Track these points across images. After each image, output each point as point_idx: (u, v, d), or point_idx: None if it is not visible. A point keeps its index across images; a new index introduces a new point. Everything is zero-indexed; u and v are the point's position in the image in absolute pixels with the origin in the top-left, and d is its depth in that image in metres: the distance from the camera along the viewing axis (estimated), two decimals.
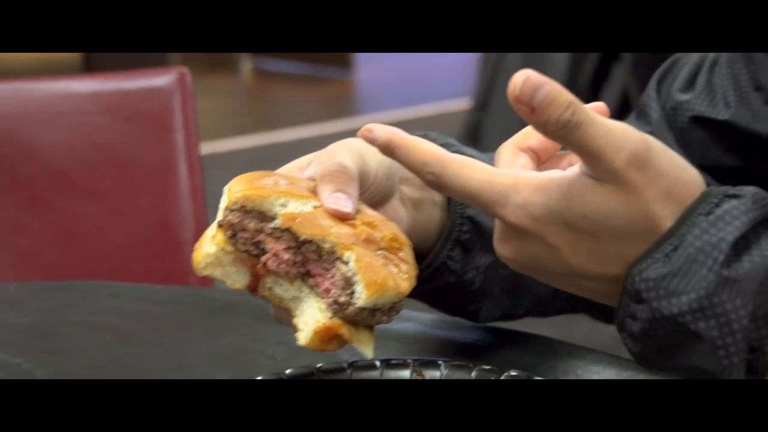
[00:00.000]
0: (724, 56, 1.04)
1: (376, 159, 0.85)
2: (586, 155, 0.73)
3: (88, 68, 7.21)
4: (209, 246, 0.79)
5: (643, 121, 1.08)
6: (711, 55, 1.05)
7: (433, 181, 0.75)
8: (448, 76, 5.61)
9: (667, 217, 0.75)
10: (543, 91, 0.69)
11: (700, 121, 1.04)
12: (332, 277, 0.77)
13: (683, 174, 0.77)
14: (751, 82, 1.03)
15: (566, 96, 0.70)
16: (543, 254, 0.75)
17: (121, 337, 1.10)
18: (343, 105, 6.24)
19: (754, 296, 0.72)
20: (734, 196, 0.75)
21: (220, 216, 0.78)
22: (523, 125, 0.89)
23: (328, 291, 0.77)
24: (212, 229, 0.79)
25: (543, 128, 0.73)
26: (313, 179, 0.83)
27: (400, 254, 0.80)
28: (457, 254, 0.93)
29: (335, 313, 0.77)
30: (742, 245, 0.74)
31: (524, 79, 0.70)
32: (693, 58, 1.07)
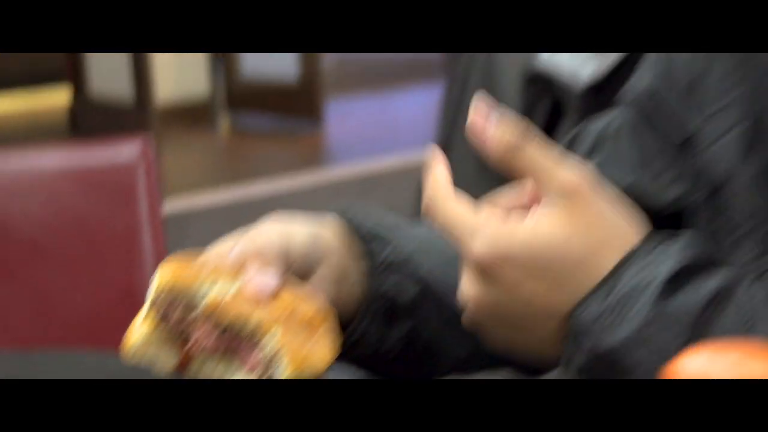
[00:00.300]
0: (618, 124, 1.04)
1: (299, 239, 0.87)
2: (535, 179, 0.77)
3: (73, 128, 7.23)
4: (141, 328, 0.79)
5: None
6: (615, 123, 1.04)
7: (426, 206, 0.78)
8: (415, 126, 5.60)
9: (610, 245, 0.77)
10: (495, 117, 0.74)
11: None
12: (257, 355, 0.78)
13: (626, 212, 0.80)
14: (644, 151, 1.03)
15: (516, 123, 0.75)
16: (504, 293, 0.75)
17: None
18: (315, 158, 6.28)
19: (690, 328, 0.73)
20: (668, 240, 0.78)
21: (151, 299, 0.79)
22: (480, 167, 0.90)
23: (253, 368, 0.78)
24: (145, 308, 0.79)
25: (495, 151, 0.75)
26: (240, 259, 0.82)
27: (322, 329, 0.81)
28: (374, 328, 0.92)
29: None
30: (675, 283, 0.74)
31: (477, 106, 0.75)
32: (599, 124, 1.06)
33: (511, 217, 0.76)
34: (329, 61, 8.19)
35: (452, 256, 0.94)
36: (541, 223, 0.75)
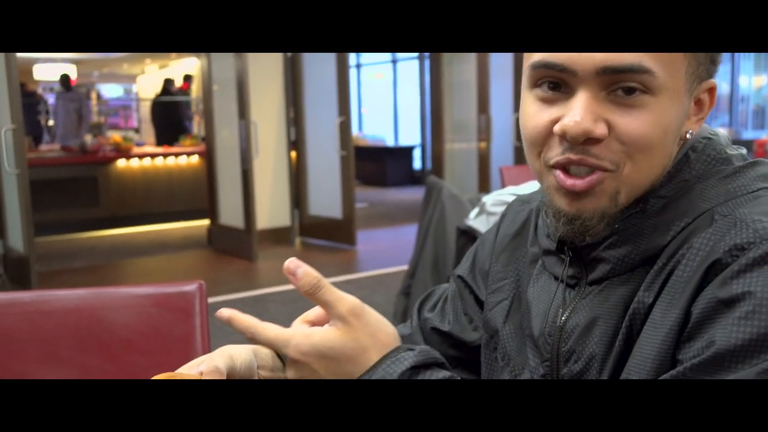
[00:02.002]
0: (451, 291, 1.01)
1: (241, 359, 0.80)
2: (325, 307, 0.77)
3: (210, 242, 7.13)
4: None
5: (408, 325, 1.04)
6: (450, 291, 1.01)
7: (251, 339, 0.80)
8: (410, 247, 5.56)
9: (372, 349, 0.76)
10: (300, 270, 0.76)
11: (435, 330, 1.00)
12: None
13: (385, 327, 0.79)
14: (463, 307, 0.99)
15: (314, 274, 0.76)
16: (309, 374, 0.77)
17: None
18: (351, 265, 6.15)
19: None
20: (411, 349, 0.77)
21: None
22: (433, 270, 0.87)
23: None
24: None
25: (302, 290, 0.77)
26: (202, 373, 0.77)
27: None
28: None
29: None
30: (407, 375, 0.74)
31: (289, 263, 0.77)
32: (440, 290, 1.04)
33: (311, 330, 0.77)
34: (360, 205, 8.18)
35: None
36: (326, 334, 0.75)
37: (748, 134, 10.85)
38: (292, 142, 7.20)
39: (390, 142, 13.63)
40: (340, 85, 6.66)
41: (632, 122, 0.70)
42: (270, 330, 0.78)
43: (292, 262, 0.76)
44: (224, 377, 0.76)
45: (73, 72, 11.18)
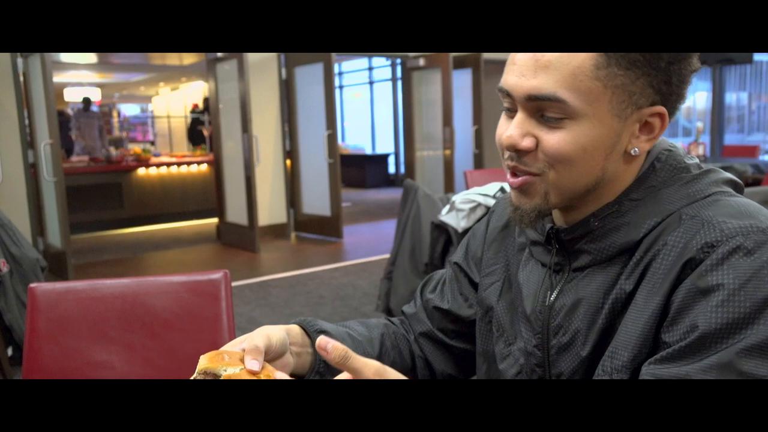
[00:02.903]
0: (448, 275, 1.01)
1: (276, 337, 0.80)
2: (354, 373, 0.67)
3: (218, 237, 7.08)
4: None
5: (413, 305, 1.03)
6: (447, 275, 1.01)
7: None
8: (389, 241, 5.55)
9: None
10: (330, 345, 0.65)
11: (436, 308, 1.00)
12: None
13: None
14: (459, 288, 0.99)
15: (341, 347, 0.66)
16: None
17: None
18: (338, 255, 6.10)
19: None
20: None
21: (195, 374, 0.74)
22: (412, 268, 0.87)
23: None
24: (192, 379, 0.74)
25: (333, 361, 0.67)
26: (244, 350, 0.76)
27: None
28: (318, 378, 0.86)
29: None
30: None
31: (320, 341, 0.66)
32: (438, 275, 1.04)
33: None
34: (345, 204, 8.15)
35: (360, 339, 0.94)
36: None
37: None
38: (287, 151, 7.18)
39: (369, 151, 13.61)
40: (327, 104, 6.64)
41: (552, 139, 0.72)
42: (355, 360, 0.67)
43: (322, 340, 0.67)
44: (263, 354, 0.76)
45: (97, 94, 11.05)
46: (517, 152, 0.75)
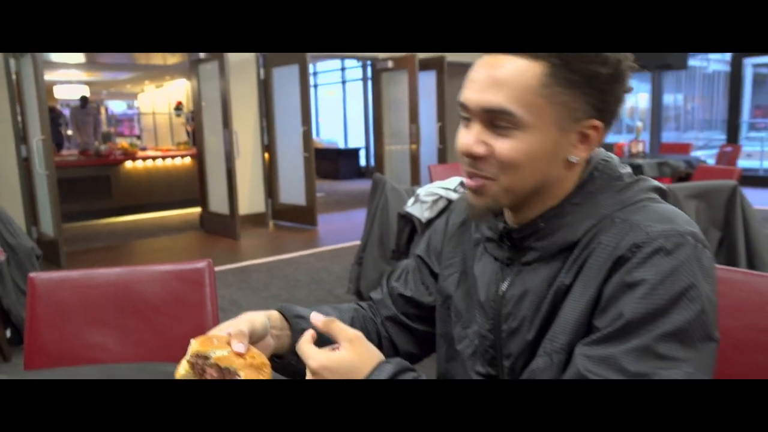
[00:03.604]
0: (412, 266, 1.04)
1: (258, 322, 0.84)
2: (338, 332, 0.77)
3: (202, 225, 7.01)
4: (182, 368, 0.77)
5: (380, 292, 1.06)
6: (411, 266, 1.04)
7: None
8: (360, 228, 5.60)
9: (369, 360, 0.76)
10: (320, 318, 0.77)
11: (400, 295, 1.02)
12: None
13: (375, 354, 0.78)
14: (422, 278, 1.02)
15: (330, 318, 0.78)
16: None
17: None
18: (313, 242, 6.08)
19: None
20: (388, 362, 0.77)
21: (188, 357, 0.77)
22: (381, 254, 0.90)
23: None
24: (183, 360, 0.77)
25: (319, 326, 0.78)
26: (230, 334, 0.79)
27: (266, 368, 0.78)
28: (295, 359, 0.87)
29: None
30: (393, 377, 0.74)
31: (314, 318, 0.80)
32: (402, 265, 1.07)
33: (329, 352, 0.76)
34: (319, 194, 8.14)
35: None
36: (339, 353, 0.75)
37: (609, 138, 11.10)
38: (265, 146, 7.14)
39: (341, 145, 13.58)
40: (303, 102, 6.62)
41: (501, 146, 0.76)
42: (305, 344, 0.77)
43: (315, 316, 0.80)
44: (247, 337, 0.79)
45: (86, 91, 10.81)
46: (473, 158, 0.79)
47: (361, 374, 0.74)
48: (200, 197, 6.95)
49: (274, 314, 0.90)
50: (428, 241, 1.04)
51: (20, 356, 2.54)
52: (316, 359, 0.75)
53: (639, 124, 7.24)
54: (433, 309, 1.00)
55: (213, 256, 5.46)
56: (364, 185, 10.37)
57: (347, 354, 0.75)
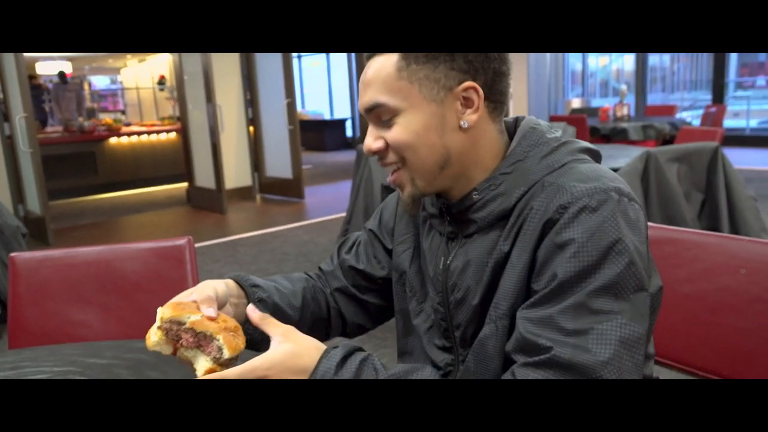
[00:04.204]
0: (363, 239, 1.05)
1: (219, 289, 0.86)
2: (270, 327, 0.79)
3: (189, 200, 6.97)
4: (154, 336, 0.77)
5: (330, 263, 1.08)
6: (363, 238, 1.05)
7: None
8: (346, 200, 5.59)
9: (310, 347, 0.77)
10: (256, 313, 0.78)
11: (351, 268, 1.04)
12: (212, 346, 0.77)
13: (313, 341, 0.79)
14: (374, 252, 1.03)
15: (263, 313, 0.81)
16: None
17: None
18: (300, 215, 6.07)
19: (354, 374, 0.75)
20: (336, 347, 0.77)
21: (158, 323, 0.77)
22: (369, 232, 1.02)
23: (210, 353, 0.76)
24: (154, 327, 0.77)
25: (255, 321, 0.80)
26: (195, 301, 0.80)
27: (239, 331, 0.79)
28: (252, 328, 0.86)
29: (215, 362, 0.77)
30: (341, 364, 0.75)
31: (250, 311, 0.81)
32: (353, 237, 1.08)
33: (264, 355, 0.75)
34: (306, 167, 8.12)
35: (285, 292, 0.98)
36: (276, 347, 0.76)
37: (596, 102, 11.05)
38: (250, 119, 7.09)
39: (327, 116, 13.48)
40: (286, 74, 6.55)
41: (390, 134, 0.81)
42: (233, 371, 0.74)
43: (251, 310, 0.82)
44: (215, 302, 0.81)
45: (69, 67, 10.61)
46: (376, 154, 0.84)
47: (304, 361, 0.75)
48: (186, 172, 6.91)
49: (231, 283, 0.92)
50: (380, 216, 1.05)
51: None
52: (254, 368, 0.74)
53: (623, 87, 7.23)
54: (383, 281, 1.02)
55: (200, 231, 5.45)
56: (350, 156, 10.34)
57: (285, 346, 0.76)
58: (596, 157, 0.84)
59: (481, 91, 0.80)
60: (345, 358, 0.76)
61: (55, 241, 5.22)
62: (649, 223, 1.39)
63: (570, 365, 0.67)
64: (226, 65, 6.74)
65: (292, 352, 0.75)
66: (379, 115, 0.81)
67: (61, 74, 9.39)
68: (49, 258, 1.46)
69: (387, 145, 0.82)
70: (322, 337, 1.05)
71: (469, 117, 0.80)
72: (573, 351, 0.67)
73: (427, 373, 0.78)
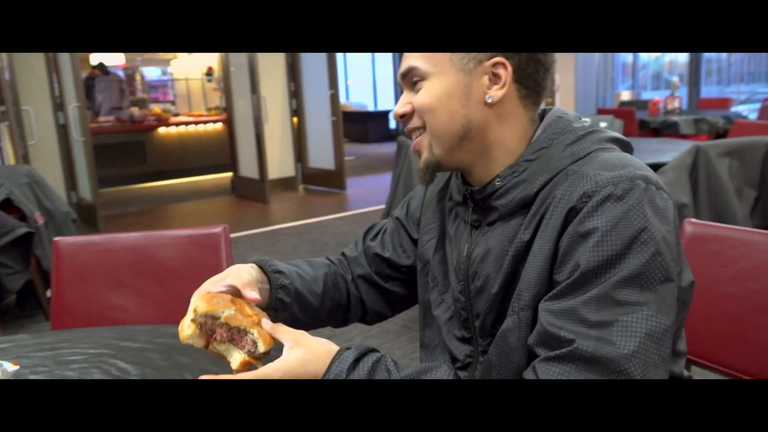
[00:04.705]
0: (390, 227, 1.05)
1: (251, 273, 0.87)
2: (282, 333, 0.77)
3: (233, 190, 7.09)
4: (188, 329, 0.78)
5: (354, 249, 1.07)
6: (389, 227, 1.05)
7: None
8: (386, 191, 5.58)
9: (321, 351, 0.76)
10: (268, 322, 0.77)
11: (376, 255, 1.03)
12: (246, 340, 0.77)
13: (325, 344, 0.78)
14: (399, 241, 1.03)
15: (269, 323, 0.79)
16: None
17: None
18: (341, 206, 6.11)
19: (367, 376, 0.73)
20: (348, 348, 0.76)
21: (192, 316, 0.78)
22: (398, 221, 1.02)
23: (244, 347, 0.77)
24: (187, 320, 0.78)
25: (268, 331, 0.78)
26: (230, 286, 0.82)
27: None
28: (273, 313, 0.92)
29: (250, 355, 0.77)
30: (353, 367, 0.74)
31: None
32: (379, 224, 1.07)
33: (276, 363, 0.74)
34: (348, 158, 8.15)
35: (307, 278, 0.98)
36: (288, 354, 0.75)
37: (647, 95, 10.75)
38: (293, 110, 7.15)
39: (371, 107, 13.49)
40: (330, 66, 6.57)
41: (416, 98, 0.83)
42: (247, 376, 0.74)
43: (264, 323, 0.79)
44: (255, 285, 0.83)
45: (121, 59, 10.91)
46: (402, 118, 0.85)
47: (316, 366, 0.75)
48: (231, 162, 7.03)
49: (255, 267, 0.92)
50: (408, 206, 1.04)
51: None
52: (266, 376, 0.74)
53: (675, 79, 7.01)
54: (407, 269, 1.01)
55: (243, 220, 5.54)
56: (393, 148, 10.31)
57: (295, 352, 0.75)
58: (625, 147, 0.82)
59: (510, 69, 0.79)
60: (357, 361, 0.75)
61: (105, 228, 5.38)
62: (693, 220, 1.34)
63: (593, 358, 0.65)
64: (271, 57, 6.81)
65: (302, 358, 0.75)
66: (410, 80, 0.83)
67: (101, 65, 9.63)
68: (90, 243, 1.50)
69: (411, 109, 0.84)
70: (340, 323, 1.06)
71: (495, 93, 0.80)
72: (596, 344, 0.65)
73: (441, 374, 0.77)
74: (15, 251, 2.71)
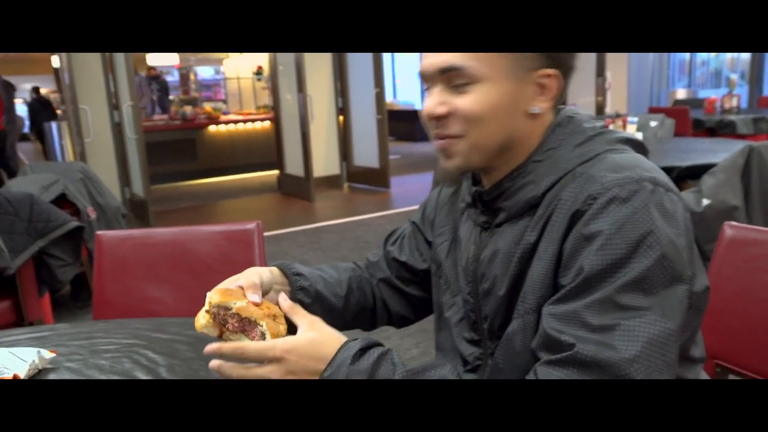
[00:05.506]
0: (408, 232, 1.04)
1: (265, 276, 0.87)
2: (298, 316, 0.79)
3: (279, 188, 7.16)
4: (202, 319, 0.80)
5: (376, 254, 1.07)
6: (407, 231, 1.04)
7: (240, 357, 0.75)
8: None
9: (330, 338, 0.76)
10: (287, 302, 0.79)
11: (395, 260, 1.03)
12: (255, 331, 0.79)
13: (337, 333, 0.78)
14: (416, 245, 1.02)
15: (292, 303, 0.81)
16: (290, 366, 0.74)
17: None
18: (386, 204, 6.12)
19: (367, 373, 0.72)
20: (355, 339, 0.77)
21: (207, 307, 0.80)
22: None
23: (254, 337, 0.78)
24: (203, 311, 0.80)
25: (284, 309, 0.80)
26: (240, 287, 0.83)
27: (279, 318, 0.81)
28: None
29: None
30: (357, 356, 0.73)
31: (283, 300, 0.82)
32: (400, 230, 1.07)
33: (289, 337, 0.76)
34: (393, 157, 8.14)
35: (330, 281, 0.99)
36: (301, 334, 0.76)
37: (705, 93, 10.37)
38: (339, 108, 7.20)
39: (418, 106, 13.46)
40: (375, 65, 6.60)
41: (463, 102, 0.76)
42: (254, 345, 0.75)
43: (283, 299, 0.82)
44: (260, 288, 0.83)
45: (176, 59, 11.22)
46: (437, 119, 0.79)
47: (324, 350, 0.75)
48: (277, 160, 7.13)
49: (276, 271, 0.94)
50: (424, 209, 1.04)
51: None
52: (274, 346, 0.74)
53: (733, 76, 6.76)
54: (426, 273, 1.01)
55: (287, 217, 5.62)
56: None
57: (308, 334, 0.76)
58: (638, 148, 0.79)
59: (560, 80, 0.78)
60: (362, 350, 0.75)
61: (155, 223, 5.55)
62: (733, 223, 1.29)
63: (593, 363, 0.64)
64: (318, 56, 6.88)
65: (314, 339, 0.75)
66: (452, 78, 0.76)
67: (150, 69, 9.91)
68: (130, 237, 1.55)
69: (451, 112, 0.77)
70: (368, 326, 1.07)
71: (541, 104, 0.78)
72: (597, 348, 0.64)
73: (443, 372, 0.76)
74: (67, 244, 2.82)
